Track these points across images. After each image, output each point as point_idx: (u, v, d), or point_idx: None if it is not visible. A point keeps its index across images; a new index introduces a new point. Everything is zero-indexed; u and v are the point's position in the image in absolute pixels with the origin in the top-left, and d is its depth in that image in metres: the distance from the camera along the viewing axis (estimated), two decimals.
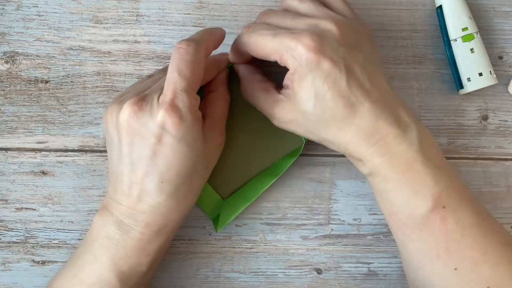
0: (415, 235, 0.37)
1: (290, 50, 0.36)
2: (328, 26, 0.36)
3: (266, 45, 0.37)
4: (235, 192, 0.44)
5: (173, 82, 0.36)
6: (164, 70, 0.41)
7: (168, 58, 0.45)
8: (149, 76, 0.42)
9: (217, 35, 0.39)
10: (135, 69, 0.45)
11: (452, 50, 0.44)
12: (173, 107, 0.35)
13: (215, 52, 0.41)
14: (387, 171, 0.36)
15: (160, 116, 0.35)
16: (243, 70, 0.42)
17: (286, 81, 0.37)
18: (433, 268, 0.37)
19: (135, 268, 0.38)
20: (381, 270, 0.45)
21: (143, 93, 0.37)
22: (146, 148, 0.36)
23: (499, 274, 0.36)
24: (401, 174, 0.36)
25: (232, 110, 0.42)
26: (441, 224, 0.36)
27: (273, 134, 0.44)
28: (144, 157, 0.36)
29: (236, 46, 0.40)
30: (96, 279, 0.37)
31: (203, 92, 0.42)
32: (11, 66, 0.45)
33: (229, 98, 0.42)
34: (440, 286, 0.37)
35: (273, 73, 0.42)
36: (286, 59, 0.36)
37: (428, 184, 0.36)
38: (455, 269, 0.36)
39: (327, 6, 0.39)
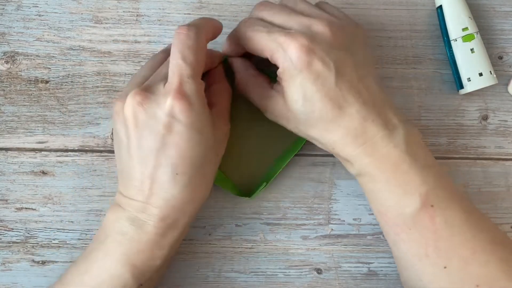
0: (405, 234, 0.37)
1: (281, 48, 0.36)
2: (321, 28, 0.37)
3: (260, 42, 0.37)
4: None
5: (178, 68, 0.35)
6: (164, 52, 0.41)
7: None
8: (149, 64, 0.41)
9: (215, 24, 0.39)
10: (135, 69, 0.45)
11: (452, 50, 0.44)
12: (180, 93, 0.34)
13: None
14: (375, 172, 0.37)
15: (168, 104, 0.34)
16: (238, 64, 0.42)
17: (278, 78, 0.38)
18: (423, 267, 0.37)
19: (148, 262, 0.37)
20: (381, 270, 0.45)
21: (145, 83, 0.37)
22: (156, 139, 0.35)
23: (489, 273, 0.36)
24: (389, 174, 0.37)
25: (240, 102, 0.43)
26: (430, 223, 0.36)
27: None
28: (154, 149, 0.35)
29: (233, 38, 0.41)
30: (107, 274, 0.37)
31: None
32: (11, 66, 0.45)
33: (231, 89, 0.42)
34: (430, 285, 0.37)
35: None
36: (277, 58, 0.36)
37: (416, 184, 0.36)
38: (445, 267, 0.37)
39: (321, 9, 0.39)
